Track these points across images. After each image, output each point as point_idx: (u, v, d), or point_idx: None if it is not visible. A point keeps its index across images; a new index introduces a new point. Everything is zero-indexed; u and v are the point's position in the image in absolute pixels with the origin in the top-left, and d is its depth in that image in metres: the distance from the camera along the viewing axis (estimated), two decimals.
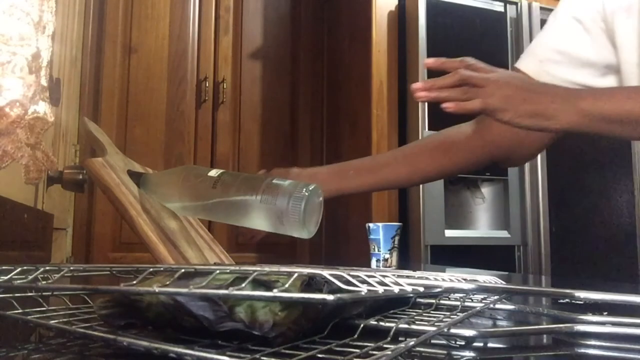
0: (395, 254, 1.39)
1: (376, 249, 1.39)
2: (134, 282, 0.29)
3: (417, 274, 0.48)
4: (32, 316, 0.34)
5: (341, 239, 1.98)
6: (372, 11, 1.84)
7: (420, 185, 1.71)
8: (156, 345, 0.26)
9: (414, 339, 0.29)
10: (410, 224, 1.75)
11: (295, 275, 0.29)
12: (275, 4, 2.19)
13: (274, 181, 0.64)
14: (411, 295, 0.38)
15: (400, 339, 0.32)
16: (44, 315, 0.35)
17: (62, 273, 0.35)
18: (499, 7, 1.91)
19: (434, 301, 0.43)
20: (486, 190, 1.90)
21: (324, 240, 2.07)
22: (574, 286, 0.45)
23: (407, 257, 1.72)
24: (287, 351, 0.28)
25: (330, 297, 0.26)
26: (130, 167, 0.75)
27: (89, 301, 0.39)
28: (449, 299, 0.47)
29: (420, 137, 1.73)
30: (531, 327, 0.42)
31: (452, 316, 0.39)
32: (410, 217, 1.76)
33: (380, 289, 0.29)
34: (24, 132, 0.87)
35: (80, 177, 1.17)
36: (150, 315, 0.30)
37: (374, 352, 0.26)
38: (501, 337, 0.39)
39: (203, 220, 0.81)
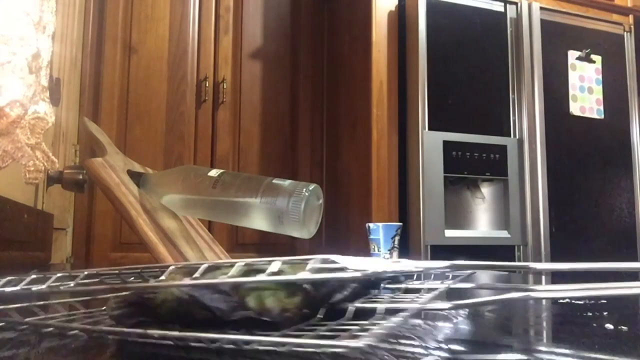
0: (395, 254, 1.39)
1: (376, 249, 1.40)
2: (162, 277, 0.31)
3: (401, 260, 0.53)
4: (54, 320, 0.34)
5: (341, 239, 1.98)
6: (372, 11, 1.84)
7: (420, 185, 1.71)
8: (196, 335, 0.28)
9: (406, 313, 0.31)
10: (410, 224, 1.75)
11: (312, 259, 0.31)
12: (275, 4, 2.19)
13: (274, 181, 0.64)
14: (414, 273, 0.43)
15: (386, 316, 0.34)
16: (57, 320, 0.34)
17: (75, 280, 0.34)
18: (499, 7, 1.91)
19: (402, 286, 0.47)
20: (486, 190, 1.90)
21: (324, 241, 2.07)
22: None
23: (407, 257, 1.72)
24: (293, 333, 0.29)
25: (357, 273, 0.28)
26: (130, 167, 0.75)
27: (79, 307, 0.39)
28: (413, 284, 0.50)
29: (420, 137, 1.73)
30: (495, 297, 0.45)
31: (422, 295, 0.42)
32: (410, 217, 1.76)
33: (393, 267, 0.32)
34: (24, 132, 0.87)
35: (80, 177, 1.17)
36: (162, 312, 0.31)
37: (375, 325, 0.28)
38: (472, 307, 0.41)
39: (203, 220, 0.81)
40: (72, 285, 0.34)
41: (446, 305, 0.37)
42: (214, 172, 0.68)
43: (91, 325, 0.32)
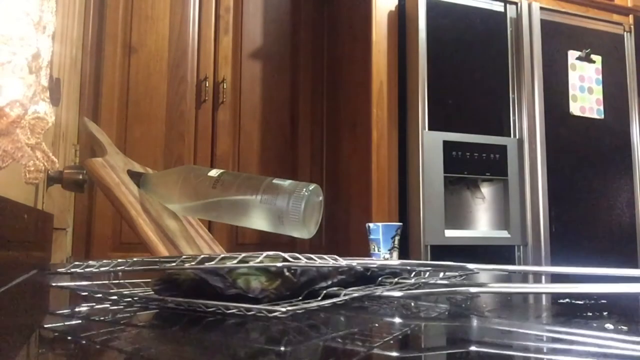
0: (395, 254, 1.39)
1: (376, 249, 1.40)
2: (174, 264, 0.43)
3: (377, 260, 0.59)
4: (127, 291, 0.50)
5: (341, 239, 1.98)
6: (372, 11, 1.84)
7: (420, 185, 1.71)
8: (194, 301, 0.41)
9: (349, 296, 0.45)
10: (410, 224, 1.75)
11: (264, 254, 0.42)
12: (275, 4, 2.19)
13: (274, 181, 0.64)
14: (346, 268, 0.49)
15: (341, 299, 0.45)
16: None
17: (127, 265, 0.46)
18: (499, 7, 1.91)
19: (394, 280, 0.53)
20: (486, 190, 1.90)
21: (324, 240, 2.07)
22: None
23: (407, 257, 1.72)
24: (264, 304, 0.40)
25: (279, 264, 0.40)
26: (130, 167, 0.75)
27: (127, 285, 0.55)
28: (410, 279, 0.56)
29: (420, 138, 1.73)
30: (435, 289, 0.51)
31: (394, 287, 0.51)
32: (410, 217, 1.76)
33: (318, 262, 0.42)
34: (24, 132, 0.87)
35: (80, 177, 1.16)
36: (184, 287, 0.44)
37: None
38: (420, 296, 0.50)
39: (203, 220, 0.81)
40: (126, 268, 0.47)
41: (398, 294, 0.47)
42: (213, 172, 0.68)
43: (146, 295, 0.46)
